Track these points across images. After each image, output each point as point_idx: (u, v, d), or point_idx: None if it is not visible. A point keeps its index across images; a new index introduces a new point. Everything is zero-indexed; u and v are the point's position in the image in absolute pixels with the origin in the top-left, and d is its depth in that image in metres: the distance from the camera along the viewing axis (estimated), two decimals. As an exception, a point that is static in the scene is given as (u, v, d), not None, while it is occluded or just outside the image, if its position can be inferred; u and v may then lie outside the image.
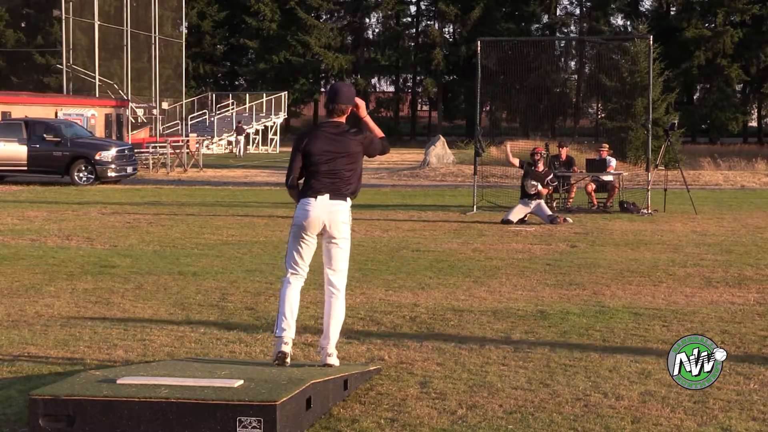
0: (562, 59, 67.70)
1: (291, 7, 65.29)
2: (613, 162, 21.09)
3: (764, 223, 17.37)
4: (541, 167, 18.00)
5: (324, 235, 6.55)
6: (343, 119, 6.68)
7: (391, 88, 73.76)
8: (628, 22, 65.63)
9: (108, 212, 18.90)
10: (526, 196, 17.73)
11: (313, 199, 6.49)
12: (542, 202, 17.94)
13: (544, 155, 18.76)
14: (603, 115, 48.42)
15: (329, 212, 6.48)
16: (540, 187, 17.65)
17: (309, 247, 6.58)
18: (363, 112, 6.79)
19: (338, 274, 6.58)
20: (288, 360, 6.35)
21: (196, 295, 9.82)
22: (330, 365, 6.40)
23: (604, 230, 16.27)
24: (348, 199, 6.58)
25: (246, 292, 10.02)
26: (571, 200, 20.33)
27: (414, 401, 6.14)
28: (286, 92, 57.08)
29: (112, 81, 44.89)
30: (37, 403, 5.37)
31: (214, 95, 58.40)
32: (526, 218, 17.58)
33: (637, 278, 11.06)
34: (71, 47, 45.53)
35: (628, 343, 7.76)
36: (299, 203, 6.58)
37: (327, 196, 6.48)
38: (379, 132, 6.89)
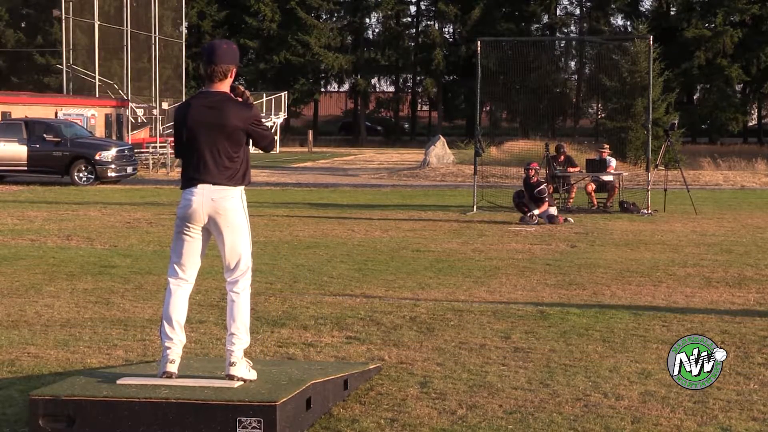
0: (562, 59, 67.66)
1: (291, 7, 65.24)
2: (613, 162, 21.10)
3: (764, 223, 17.38)
4: (534, 180, 17.98)
5: (210, 229, 5.78)
6: (225, 85, 5.70)
7: (391, 88, 73.74)
8: (628, 22, 65.58)
9: (108, 212, 18.90)
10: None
11: (194, 187, 5.67)
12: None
13: (539, 170, 18.70)
14: (603, 115, 48.39)
15: (212, 201, 5.65)
16: (536, 212, 17.60)
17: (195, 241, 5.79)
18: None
19: (235, 272, 5.78)
20: (173, 378, 5.64)
21: (196, 295, 9.80)
22: (233, 377, 5.58)
23: (604, 230, 16.27)
24: (237, 185, 5.72)
25: (246, 292, 10.01)
26: (571, 200, 20.34)
27: (414, 401, 6.14)
28: (286, 92, 57.04)
29: (112, 81, 44.85)
30: (37, 403, 5.37)
31: (214, 95, 58.27)
32: (533, 219, 17.52)
33: (637, 278, 11.06)
34: (71, 47, 45.50)
35: (628, 343, 7.76)
36: (182, 192, 5.77)
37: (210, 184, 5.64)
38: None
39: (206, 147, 5.62)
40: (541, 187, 17.81)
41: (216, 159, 5.62)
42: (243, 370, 5.64)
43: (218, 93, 5.67)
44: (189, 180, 5.70)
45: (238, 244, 5.75)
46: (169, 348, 5.69)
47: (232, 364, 5.63)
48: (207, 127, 5.61)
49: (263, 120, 5.70)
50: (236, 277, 5.77)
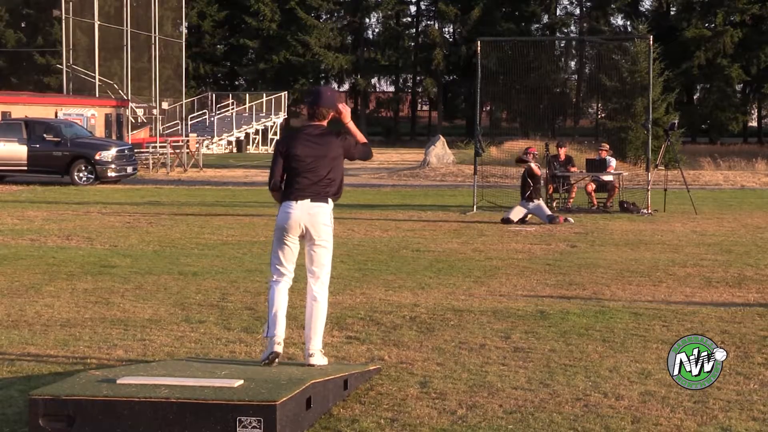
0: (562, 59, 67.65)
1: (291, 7, 65.25)
2: (613, 162, 21.08)
3: (764, 223, 17.38)
4: (537, 171, 17.98)
5: (305, 238, 6.53)
6: (324, 123, 6.66)
7: (391, 88, 73.75)
8: (628, 22, 65.57)
9: (108, 212, 18.90)
10: (525, 197, 17.73)
11: (294, 202, 6.50)
12: (542, 202, 17.96)
13: (537, 156, 18.69)
14: (603, 115, 48.39)
15: (309, 215, 6.46)
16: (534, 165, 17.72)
17: (292, 249, 6.57)
18: (346, 118, 6.72)
19: (319, 281, 6.55)
20: (277, 360, 6.38)
21: (196, 295, 9.82)
22: (312, 365, 6.38)
23: (604, 230, 16.27)
24: (329, 201, 6.55)
25: (246, 292, 10.02)
26: (571, 200, 20.33)
27: (414, 401, 6.14)
28: (286, 92, 57.04)
29: (112, 81, 44.87)
30: (37, 403, 5.37)
31: (214, 95, 58.37)
32: (527, 218, 17.57)
33: (637, 278, 11.06)
34: (71, 47, 45.52)
35: (628, 343, 7.76)
36: (281, 206, 6.60)
37: (308, 200, 6.48)
38: (362, 138, 6.80)
39: (310, 172, 6.53)
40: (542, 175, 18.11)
41: (316, 181, 6.51)
42: (319, 359, 6.47)
43: (320, 127, 6.63)
44: (291, 194, 6.53)
45: (324, 254, 6.56)
46: (275, 329, 6.43)
47: (311, 355, 6.45)
48: (312, 157, 6.51)
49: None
50: (319, 284, 6.56)
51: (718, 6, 62.31)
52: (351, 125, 6.75)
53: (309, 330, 6.52)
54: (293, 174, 6.54)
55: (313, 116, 6.62)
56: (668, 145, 21.82)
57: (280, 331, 6.46)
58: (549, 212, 17.65)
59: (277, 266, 6.59)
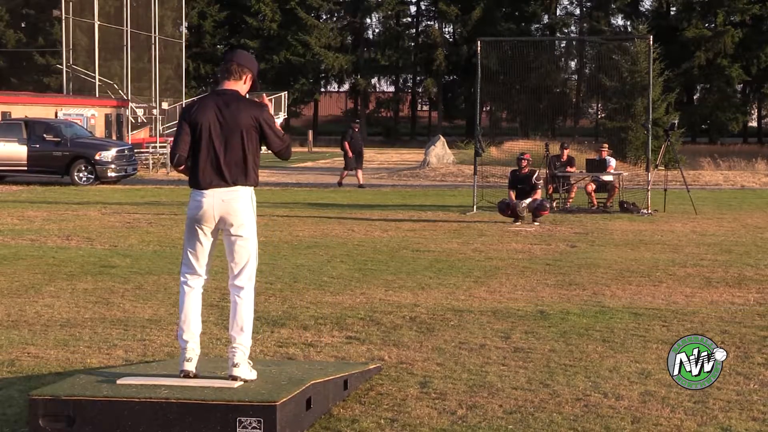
0: (563, 59, 67.65)
1: (291, 7, 65.31)
2: (613, 162, 21.10)
3: (764, 223, 17.38)
4: (526, 170, 17.73)
5: (222, 230, 5.77)
6: (239, 84, 5.79)
7: (391, 88, 73.75)
8: (628, 22, 65.61)
9: (108, 212, 18.90)
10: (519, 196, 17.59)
11: (204, 189, 5.67)
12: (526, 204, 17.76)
13: (531, 161, 18.49)
14: (603, 115, 48.39)
15: (223, 201, 5.66)
16: (525, 204, 17.39)
17: (206, 243, 5.79)
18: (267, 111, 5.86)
19: (242, 274, 5.82)
20: (191, 376, 5.69)
21: (196, 295, 9.81)
22: (236, 377, 5.62)
23: (604, 230, 16.27)
24: (247, 185, 5.71)
25: (246, 292, 10.01)
26: (571, 200, 20.33)
27: (414, 401, 6.14)
28: (286, 92, 57.02)
29: (112, 81, 44.84)
30: (37, 403, 5.37)
31: (214, 95, 58.31)
32: (524, 216, 17.45)
33: (637, 278, 11.06)
34: (71, 47, 45.49)
35: (628, 343, 7.76)
36: (191, 193, 5.76)
37: (222, 183, 5.63)
38: (281, 132, 5.87)
39: (221, 146, 5.69)
40: (536, 173, 17.74)
41: (229, 158, 5.69)
42: (245, 371, 5.69)
43: (235, 92, 5.78)
44: (200, 178, 5.73)
45: (246, 244, 5.81)
46: (185, 349, 5.75)
47: (235, 365, 5.67)
48: (222, 127, 5.69)
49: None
50: (242, 277, 5.83)
51: (718, 6, 62.31)
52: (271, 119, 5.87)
53: (235, 334, 5.75)
54: (199, 150, 5.69)
55: (226, 73, 5.78)
56: (668, 145, 21.83)
57: (193, 344, 5.74)
58: (528, 204, 17.34)
59: (189, 265, 5.89)
